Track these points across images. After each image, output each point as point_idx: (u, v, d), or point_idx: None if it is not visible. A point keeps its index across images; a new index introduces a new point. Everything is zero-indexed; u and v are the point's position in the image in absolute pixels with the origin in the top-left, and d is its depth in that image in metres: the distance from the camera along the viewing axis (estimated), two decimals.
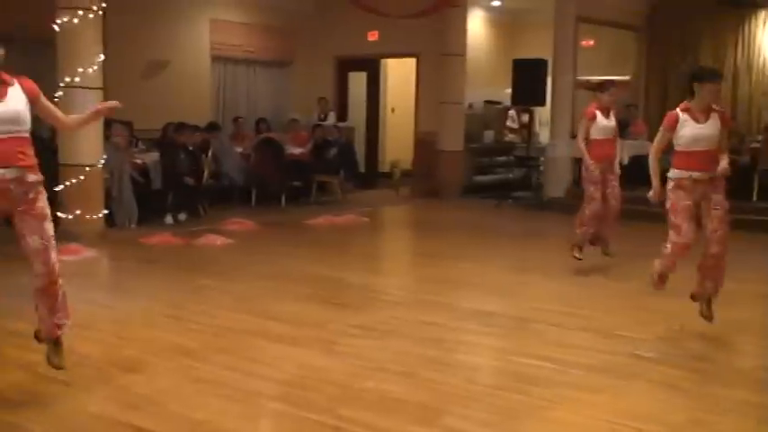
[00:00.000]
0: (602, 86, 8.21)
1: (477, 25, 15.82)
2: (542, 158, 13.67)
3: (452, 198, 13.96)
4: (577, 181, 13.43)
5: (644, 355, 5.39)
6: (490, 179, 15.11)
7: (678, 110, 5.60)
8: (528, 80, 12.68)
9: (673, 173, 5.61)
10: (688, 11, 14.48)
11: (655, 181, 5.78)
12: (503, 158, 15.45)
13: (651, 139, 13.90)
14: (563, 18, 13.19)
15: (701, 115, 5.54)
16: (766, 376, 5.11)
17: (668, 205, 5.63)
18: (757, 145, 12.07)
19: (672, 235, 5.65)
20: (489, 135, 15.44)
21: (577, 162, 13.15)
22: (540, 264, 8.58)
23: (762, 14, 14.03)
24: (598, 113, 7.91)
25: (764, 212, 11.30)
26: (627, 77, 15.31)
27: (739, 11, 14.14)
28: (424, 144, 14.45)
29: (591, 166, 7.86)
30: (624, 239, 8.60)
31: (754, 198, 11.78)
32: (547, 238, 10.63)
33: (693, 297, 5.86)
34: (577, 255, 8.02)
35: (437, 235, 10.51)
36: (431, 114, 14.32)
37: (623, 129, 12.30)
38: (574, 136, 13.36)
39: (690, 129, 5.52)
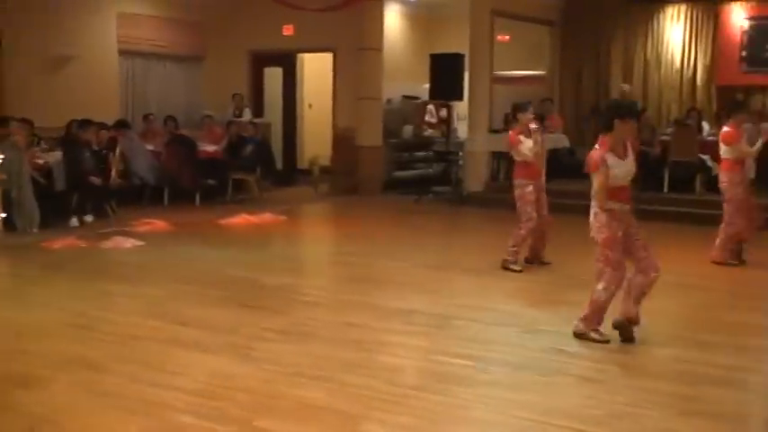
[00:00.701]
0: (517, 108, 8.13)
1: (393, 19, 15.69)
2: (461, 153, 13.62)
3: (372, 194, 13.80)
4: (495, 175, 13.59)
5: (566, 350, 5.33)
6: (410, 174, 15.00)
7: (602, 152, 5.45)
8: (445, 75, 12.60)
9: (608, 204, 5.51)
10: (600, 5, 14.66)
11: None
12: (422, 153, 15.36)
13: (566, 133, 14.30)
14: (479, 12, 13.17)
15: (622, 150, 5.51)
16: (684, 367, 5.09)
17: (602, 238, 5.51)
18: (667, 138, 12.26)
19: (609, 271, 5.49)
20: (408, 130, 15.34)
21: (500, 157, 13.28)
22: (461, 259, 8.50)
23: (670, 9, 14.29)
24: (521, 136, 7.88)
25: (675, 203, 11.51)
26: (542, 72, 15.45)
27: (649, 6, 14.37)
28: (343, 140, 14.25)
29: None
30: None
31: (665, 189, 11.97)
32: (467, 233, 10.60)
33: (631, 321, 5.65)
34: (516, 267, 7.90)
35: (357, 232, 10.32)
36: (349, 110, 14.12)
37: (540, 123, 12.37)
38: (492, 130, 13.49)
39: (617, 167, 5.46)
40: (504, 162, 13.60)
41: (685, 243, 9.55)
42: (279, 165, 14.93)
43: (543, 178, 8.05)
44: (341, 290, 7.30)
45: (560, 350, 5.33)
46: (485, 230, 10.66)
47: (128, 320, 5.93)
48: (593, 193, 5.52)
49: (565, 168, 13.40)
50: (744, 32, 13.70)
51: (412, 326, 5.93)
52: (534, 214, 7.76)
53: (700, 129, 12.41)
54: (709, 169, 11.93)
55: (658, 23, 14.43)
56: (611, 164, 5.42)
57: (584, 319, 5.57)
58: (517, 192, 7.85)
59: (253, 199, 12.66)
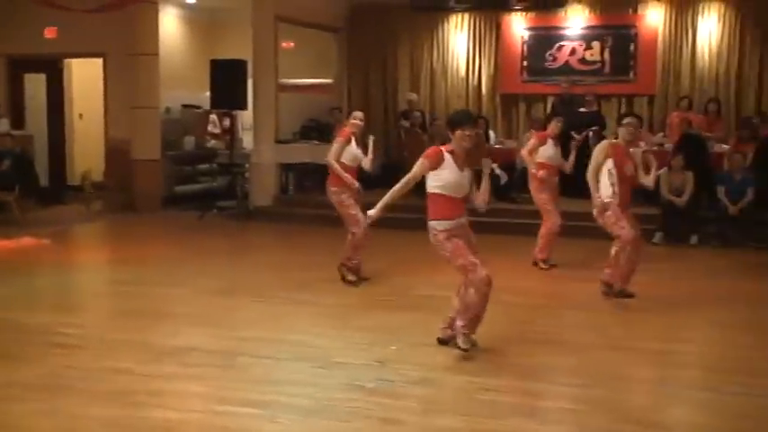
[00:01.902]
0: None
1: (171, 23, 14.69)
2: (248, 165, 12.90)
3: (151, 211, 12.74)
4: (284, 188, 12.97)
5: (365, 386, 4.80)
6: (193, 189, 14.08)
7: (444, 150, 5.23)
8: (227, 82, 11.83)
9: (440, 224, 5.21)
10: (385, 13, 14.48)
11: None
12: (206, 166, 14.49)
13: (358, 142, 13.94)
14: (261, 18, 12.52)
15: (462, 162, 5.25)
16: (490, 397, 4.71)
17: (449, 251, 5.20)
18: None
19: (470, 275, 5.21)
20: (190, 141, 14.40)
21: (289, 169, 12.70)
22: (249, 283, 7.76)
23: (454, 18, 14.35)
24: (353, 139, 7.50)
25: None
26: (330, 80, 15.04)
27: (433, 14, 14.35)
28: (117, 153, 13.10)
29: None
30: (328, 248, 8.10)
31: None
32: (255, 251, 9.89)
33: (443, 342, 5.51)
34: (351, 278, 7.55)
35: (132, 256, 9.23)
36: (123, 120, 12.98)
37: (329, 133, 11.94)
38: (278, 141, 12.86)
39: (450, 173, 5.19)
40: (294, 174, 13.06)
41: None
42: (44, 181, 13.48)
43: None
44: (109, 327, 6.35)
45: (358, 387, 4.79)
46: (274, 248, 10.05)
47: None
48: (405, 178, 5.25)
49: (359, 179, 13.05)
50: (524, 42, 14.00)
51: (190, 367, 5.18)
52: (361, 216, 7.25)
53: (487, 137, 12.46)
54: (497, 178, 11.99)
55: (443, 32, 14.45)
56: (447, 166, 5.14)
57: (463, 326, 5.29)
58: (334, 199, 7.50)
59: (13, 221, 11.21)
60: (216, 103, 12.20)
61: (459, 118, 5.36)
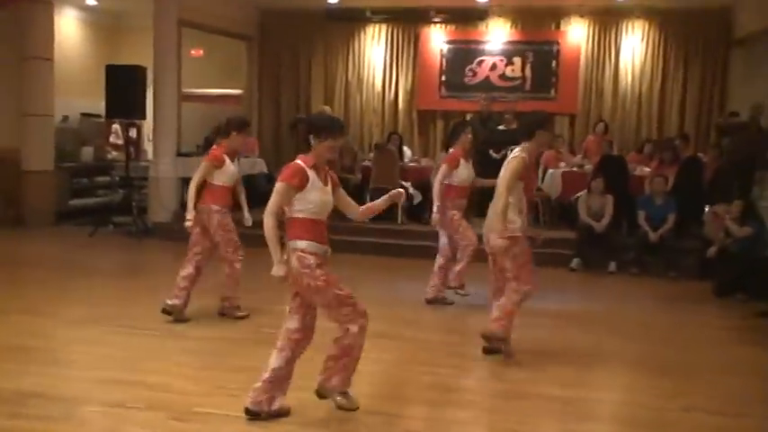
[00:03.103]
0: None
1: (70, 26, 13.77)
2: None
3: (42, 227, 11.75)
4: (184, 204, 12.10)
5: None
6: (90, 203, 13.12)
7: (305, 166, 4.27)
8: (123, 90, 10.95)
9: (311, 246, 4.29)
10: (298, 21, 13.83)
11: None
12: (105, 179, 13.52)
13: (263, 156, 13.23)
14: (163, 22, 11.66)
15: (324, 176, 4.36)
16: None
17: (321, 280, 4.28)
18: (368, 163, 11.57)
19: (350, 312, 4.35)
20: (88, 152, 13.45)
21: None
22: (122, 311, 6.87)
23: (370, 29, 13.77)
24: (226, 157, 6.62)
25: (376, 234, 10.80)
26: (240, 91, 14.29)
27: (348, 24, 13.76)
28: (4, 163, 12.05)
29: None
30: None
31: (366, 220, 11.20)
32: (139, 274, 9.06)
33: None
34: (241, 313, 6.73)
35: (4, 279, 8.29)
36: (11, 128, 11.95)
37: None
38: (180, 154, 12.02)
39: (314, 191, 4.29)
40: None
41: (395, 276, 8.74)
42: None
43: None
44: None
45: None
46: (162, 269, 9.12)
47: None
48: (268, 210, 4.23)
49: (263, 196, 12.30)
50: (443, 56, 13.50)
51: (22, 419, 4.35)
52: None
53: (401, 154, 11.86)
54: (411, 197, 11.40)
55: (359, 43, 13.88)
56: (312, 183, 4.25)
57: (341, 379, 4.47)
58: (216, 219, 6.55)
59: None
60: (111, 111, 11.28)
61: (325, 123, 4.37)
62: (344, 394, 4.50)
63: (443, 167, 7.43)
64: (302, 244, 4.27)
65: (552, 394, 5.07)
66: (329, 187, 4.37)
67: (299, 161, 4.30)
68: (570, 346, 6.20)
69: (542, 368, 5.57)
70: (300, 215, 4.28)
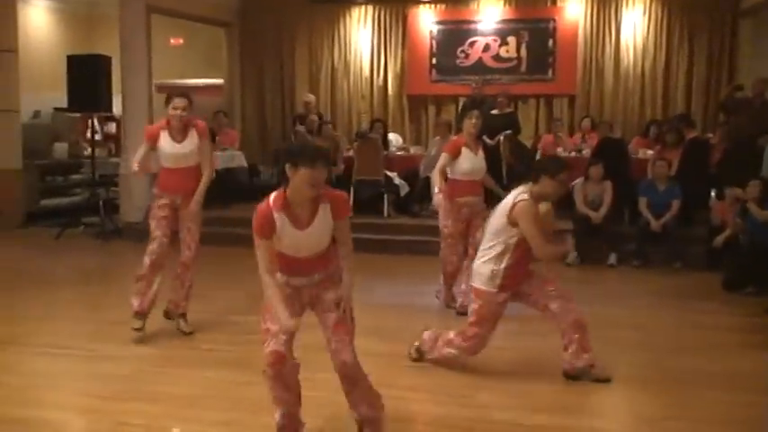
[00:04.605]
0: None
1: (39, 16, 13.10)
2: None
3: (10, 229, 11.08)
4: None
5: None
6: (64, 202, 12.44)
7: (267, 207, 3.56)
8: (84, 81, 10.24)
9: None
10: (281, 5, 13.07)
11: None
12: (80, 176, 12.84)
13: (247, 149, 12.49)
14: (130, 8, 10.93)
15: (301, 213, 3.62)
16: None
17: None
18: (351, 154, 10.79)
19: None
20: (62, 149, 12.78)
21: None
22: (49, 327, 6.10)
23: (356, 11, 12.99)
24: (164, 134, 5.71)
25: (359, 229, 10.03)
26: (220, 81, 13.54)
27: (333, 6, 12.98)
28: None
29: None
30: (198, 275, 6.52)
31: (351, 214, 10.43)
32: (91, 281, 8.16)
33: None
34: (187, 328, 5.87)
35: None
36: None
37: (212, 139, 10.45)
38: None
39: (288, 239, 3.62)
40: None
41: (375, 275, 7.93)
42: None
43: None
44: None
45: None
46: (119, 275, 8.33)
47: None
48: (261, 270, 3.58)
49: (244, 192, 11.62)
50: (433, 38, 12.70)
51: None
52: (159, 233, 5.68)
53: (386, 143, 11.05)
54: (397, 188, 10.64)
55: (345, 27, 13.11)
56: (281, 229, 3.56)
57: None
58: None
59: None
60: (72, 104, 10.57)
61: (299, 151, 3.52)
62: None
63: (442, 156, 6.53)
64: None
65: (532, 423, 4.26)
66: (311, 228, 3.59)
67: (264, 203, 3.57)
68: (557, 360, 5.34)
69: (522, 390, 4.77)
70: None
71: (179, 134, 5.67)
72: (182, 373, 4.93)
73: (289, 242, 3.59)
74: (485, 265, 4.84)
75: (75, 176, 12.84)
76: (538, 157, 10.71)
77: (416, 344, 5.22)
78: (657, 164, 9.01)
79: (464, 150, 6.45)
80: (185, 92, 5.95)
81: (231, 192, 11.17)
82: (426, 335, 5.19)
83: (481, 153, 6.64)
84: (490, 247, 4.82)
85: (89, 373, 5.02)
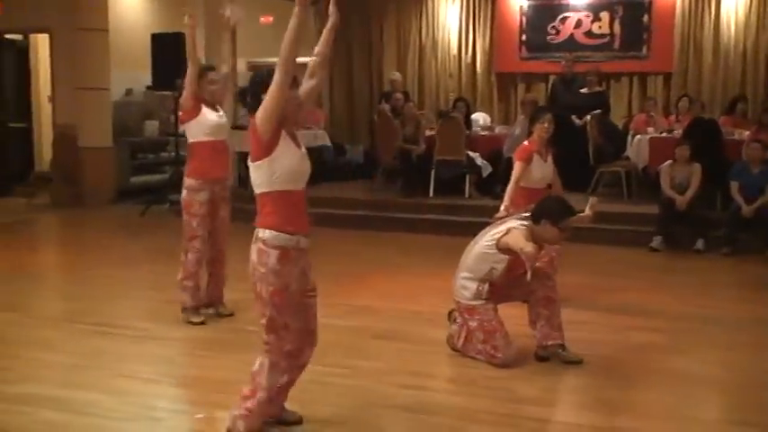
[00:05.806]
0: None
1: None
2: None
3: (101, 205, 11.41)
4: (243, 180, 11.47)
5: None
6: (154, 179, 12.66)
7: None
8: (168, 60, 10.37)
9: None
10: None
11: None
12: (168, 154, 13.05)
13: (336, 129, 12.42)
14: None
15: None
16: None
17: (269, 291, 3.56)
18: (433, 133, 10.54)
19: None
20: (153, 126, 13.01)
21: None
22: (108, 307, 6.14)
23: None
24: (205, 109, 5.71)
25: (439, 210, 9.86)
26: (310, 59, 13.48)
27: None
28: (63, 140, 11.79)
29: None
30: None
31: (431, 194, 10.24)
32: (164, 260, 8.13)
33: None
34: (195, 319, 5.64)
35: (15, 265, 7.59)
36: (67, 103, 11.65)
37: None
38: (235, 126, 11.31)
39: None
40: None
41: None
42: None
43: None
44: None
45: None
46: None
47: None
48: None
49: (330, 171, 11.59)
50: (523, 14, 12.30)
51: None
52: (201, 232, 5.63)
53: (468, 122, 10.74)
54: (479, 168, 10.35)
55: (433, 4, 12.85)
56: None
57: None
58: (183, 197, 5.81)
59: None
60: (157, 83, 10.75)
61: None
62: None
63: (517, 165, 5.93)
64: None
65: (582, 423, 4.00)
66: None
67: None
68: (617, 358, 5.01)
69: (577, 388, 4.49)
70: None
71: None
72: (224, 356, 4.87)
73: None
74: (470, 282, 4.70)
75: (164, 154, 13.06)
76: (629, 138, 10.26)
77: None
78: (752, 146, 8.44)
79: (535, 157, 5.96)
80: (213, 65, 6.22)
81: (318, 171, 11.13)
82: (453, 329, 4.96)
83: (550, 159, 6.14)
84: (475, 270, 4.70)
85: (135, 353, 5.03)
